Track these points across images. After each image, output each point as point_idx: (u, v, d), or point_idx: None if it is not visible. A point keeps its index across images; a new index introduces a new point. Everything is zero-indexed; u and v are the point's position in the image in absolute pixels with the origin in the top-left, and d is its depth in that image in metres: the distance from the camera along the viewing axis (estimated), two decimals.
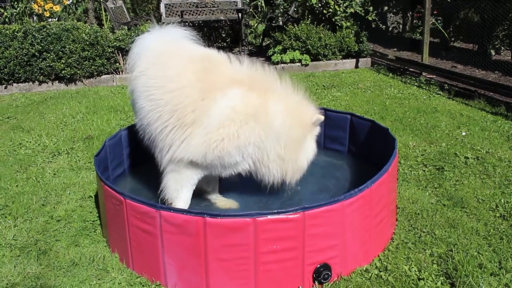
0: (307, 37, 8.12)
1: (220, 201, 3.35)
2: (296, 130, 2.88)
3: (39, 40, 7.13)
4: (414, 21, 10.14)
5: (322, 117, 3.02)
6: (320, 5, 8.41)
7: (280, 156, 2.86)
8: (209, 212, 2.36)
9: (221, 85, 2.86)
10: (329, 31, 8.37)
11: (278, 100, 2.86)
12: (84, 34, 7.35)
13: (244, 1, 10.27)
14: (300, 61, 8.18)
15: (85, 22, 9.48)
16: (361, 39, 8.43)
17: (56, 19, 8.99)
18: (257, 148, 2.84)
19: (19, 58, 7.14)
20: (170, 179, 2.97)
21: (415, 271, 2.64)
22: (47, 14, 8.76)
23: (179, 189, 2.96)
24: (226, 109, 2.77)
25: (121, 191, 2.66)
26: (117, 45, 7.54)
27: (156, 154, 3.06)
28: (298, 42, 8.18)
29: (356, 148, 3.98)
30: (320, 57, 8.27)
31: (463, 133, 4.83)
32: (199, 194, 3.29)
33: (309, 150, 3.03)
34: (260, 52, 9.51)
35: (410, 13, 10.12)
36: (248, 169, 2.97)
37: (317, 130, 3.09)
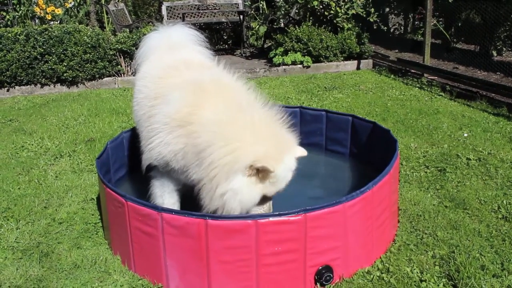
0: (308, 39, 8.12)
1: None
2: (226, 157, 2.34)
3: (41, 43, 7.15)
4: (416, 22, 10.14)
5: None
6: (321, 6, 8.41)
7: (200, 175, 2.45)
8: (211, 214, 2.36)
9: (166, 91, 2.79)
10: (331, 32, 8.37)
11: (217, 110, 2.48)
12: (86, 37, 7.37)
13: (245, 3, 10.29)
14: (301, 62, 8.17)
15: (87, 25, 9.50)
16: (362, 41, 8.43)
17: (58, 22, 9.03)
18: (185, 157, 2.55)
19: (21, 61, 7.16)
20: (153, 185, 2.99)
21: (417, 272, 2.63)
22: (49, 17, 8.79)
23: (163, 195, 2.96)
24: (163, 116, 2.67)
25: (122, 193, 2.67)
26: (119, 47, 7.56)
27: None
28: (299, 44, 8.18)
29: (358, 150, 3.98)
30: (322, 59, 8.27)
31: (465, 135, 4.82)
32: None
33: (239, 188, 2.36)
34: (261, 54, 9.51)
35: (412, 14, 10.11)
36: None
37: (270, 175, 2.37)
